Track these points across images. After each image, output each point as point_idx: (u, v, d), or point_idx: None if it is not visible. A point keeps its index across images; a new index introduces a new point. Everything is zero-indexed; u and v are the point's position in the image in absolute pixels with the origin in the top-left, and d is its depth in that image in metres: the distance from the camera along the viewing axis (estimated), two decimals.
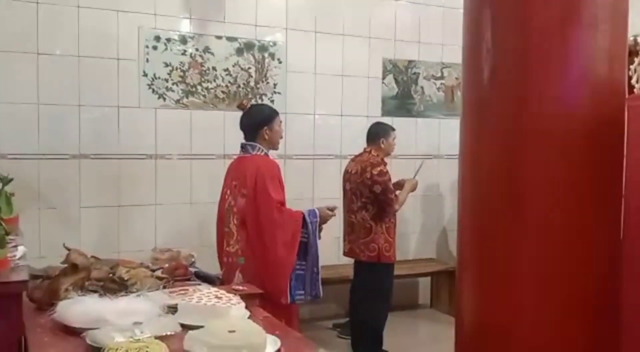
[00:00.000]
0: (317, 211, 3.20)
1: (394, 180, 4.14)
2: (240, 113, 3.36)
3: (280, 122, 3.33)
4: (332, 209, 3.31)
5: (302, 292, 3.16)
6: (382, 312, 4.18)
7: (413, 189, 4.35)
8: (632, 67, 2.82)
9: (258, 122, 3.25)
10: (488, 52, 2.49)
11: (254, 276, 2.97)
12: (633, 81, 2.87)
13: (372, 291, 4.11)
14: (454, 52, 4.81)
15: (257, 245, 3.09)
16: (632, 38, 2.76)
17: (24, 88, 3.97)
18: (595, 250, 2.41)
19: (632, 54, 2.77)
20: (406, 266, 5.04)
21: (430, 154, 5.18)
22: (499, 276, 2.51)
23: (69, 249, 2.18)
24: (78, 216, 4.15)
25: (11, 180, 2.95)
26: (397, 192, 4.16)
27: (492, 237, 2.52)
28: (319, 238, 3.18)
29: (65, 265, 2.13)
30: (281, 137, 3.36)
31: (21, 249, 2.37)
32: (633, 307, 2.38)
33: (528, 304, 2.46)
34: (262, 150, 3.24)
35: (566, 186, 2.39)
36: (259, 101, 4.57)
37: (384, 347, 4.17)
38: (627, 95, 2.53)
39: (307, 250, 3.13)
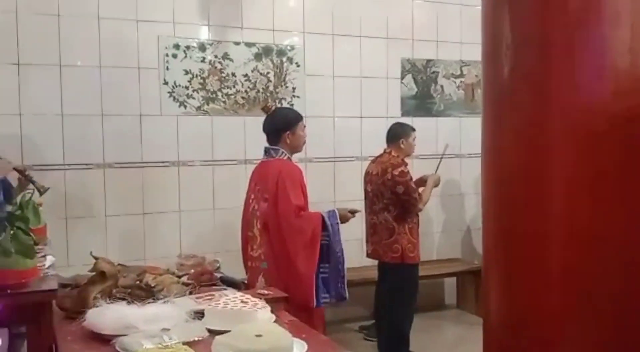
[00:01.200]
0: (337, 212, 3.17)
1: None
2: (262, 117, 3.37)
3: (304, 126, 3.33)
4: (353, 212, 3.29)
5: (327, 295, 3.14)
6: (408, 314, 4.15)
7: (436, 184, 4.31)
8: None
9: (280, 127, 3.25)
10: (508, 48, 2.47)
11: (277, 280, 2.98)
12: None
13: (397, 292, 4.09)
14: (473, 50, 4.78)
15: (279, 249, 3.09)
16: None
17: (48, 99, 4.03)
18: (623, 248, 2.37)
19: None
20: (431, 266, 5.01)
21: (452, 153, 5.13)
22: (526, 274, 2.48)
23: (96, 258, 2.20)
24: (104, 224, 4.21)
25: (48, 188, 3.03)
26: (421, 189, 4.14)
27: (517, 236, 2.50)
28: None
29: (93, 273, 2.15)
30: (304, 142, 3.36)
31: (50, 259, 2.42)
32: None
33: (556, 303, 2.42)
34: (285, 155, 3.24)
35: (591, 183, 2.36)
36: (279, 105, 4.58)
37: (411, 349, 4.15)
38: None
39: (329, 252, 3.12)
